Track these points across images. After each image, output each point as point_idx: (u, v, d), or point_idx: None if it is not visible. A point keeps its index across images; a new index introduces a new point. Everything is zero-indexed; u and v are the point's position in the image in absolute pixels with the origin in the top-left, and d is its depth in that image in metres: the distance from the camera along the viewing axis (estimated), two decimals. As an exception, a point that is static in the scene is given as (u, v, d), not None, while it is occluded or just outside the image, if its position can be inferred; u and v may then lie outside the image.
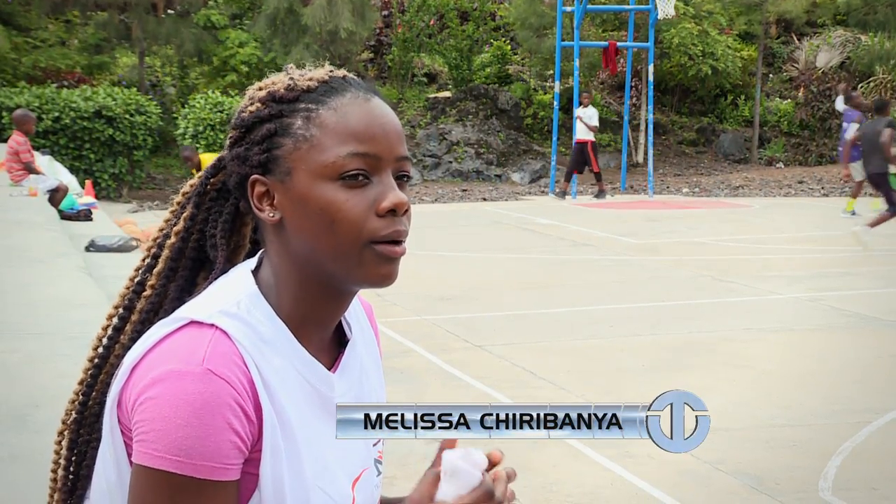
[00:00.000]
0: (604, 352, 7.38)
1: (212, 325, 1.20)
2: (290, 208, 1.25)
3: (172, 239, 1.34)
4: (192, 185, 1.37)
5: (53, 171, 14.66)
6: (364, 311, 1.46)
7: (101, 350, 1.34)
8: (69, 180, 14.74)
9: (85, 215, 13.12)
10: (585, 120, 19.07)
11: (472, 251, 12.32)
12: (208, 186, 1.35)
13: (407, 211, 1.26)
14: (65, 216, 12.63)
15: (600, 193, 19.50)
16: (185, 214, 1.35)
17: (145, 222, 14.21)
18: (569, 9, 21.00)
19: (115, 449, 1.23)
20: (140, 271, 1.36)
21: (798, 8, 24.96)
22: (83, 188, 15.77)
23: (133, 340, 1.30)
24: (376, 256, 1.24)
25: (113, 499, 1.26)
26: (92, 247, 9.93)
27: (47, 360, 5.02)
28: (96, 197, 16.36)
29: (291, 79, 1.29)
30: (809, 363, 7.06)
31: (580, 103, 19.50)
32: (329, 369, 1.32)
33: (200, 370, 1.16)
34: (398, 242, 1.25)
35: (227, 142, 1.32)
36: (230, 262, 1.36)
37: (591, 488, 4.77)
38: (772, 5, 24.92)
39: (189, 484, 1.15)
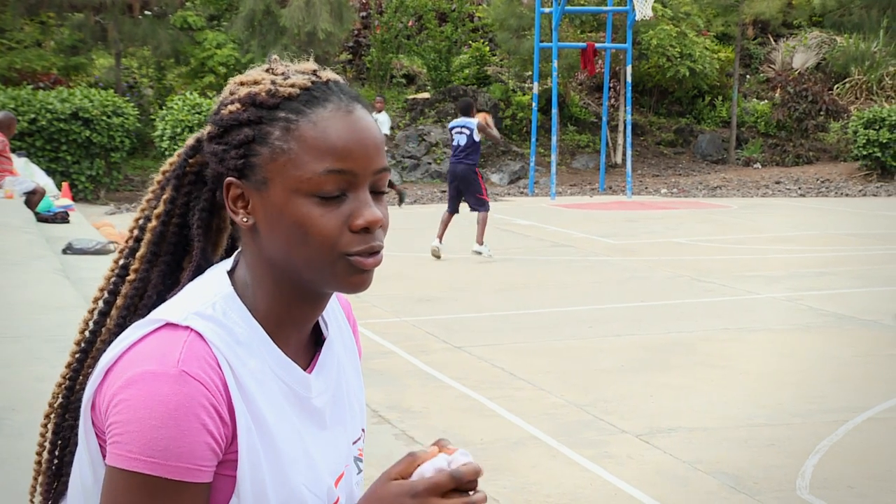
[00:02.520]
0: (583, 352, 7.40)
1: (186, 327, 1.20)
2: (264, 216, 1.24)
3: (154, 222, 1.34)
4: (171, 164, 1.35)
5: (30, 173, 14.57)
6: (342, 308, 1.45)
7: (87, 334, 1.34)
8: (46, 182, 14.65)
9: (62, 217, 13.05)
10: (380, 126, 18.61)
11: (451, 252, 12.32)
12: (187, 169, 1.34)
13: (382, 226, 1.25)
14: (41, 218, 12.56)
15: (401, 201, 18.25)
16: (164, 197, 1.34)
17: (123, 224, 14.13)
18: (547, 10, 21.04)
19: (90, 452, 1.23)
20: (124, 255, 1.36)
21: (772, 9, 25.10)
22: (60, 190, 15.68)
23: (119, 326, 1.30)
24: (349, 267, 1.23)
25: (89, 501, 1.25)
26: (69, 249, 9.88)
27: (24, 364, 4.99)
28: (73, 199, 16.25)
29: (273, 83, 1.26)
30: (787, 363, 7.10)
31: (376, 109, 18.73)
32: (306, 369, 1.32)
33: (175, 371, 1.16)
34: (372, 255, 1.24)
35: (206, 133, 1.30)
36: (213, 246, 1.36)
37: (571, 489, 4.77)
38: (747, 7, 25.06)
39: (163, 485, 1.15)
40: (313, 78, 1.26)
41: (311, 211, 1.21)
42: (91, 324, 1.34)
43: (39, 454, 1.37)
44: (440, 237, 11.79)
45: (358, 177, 1.23)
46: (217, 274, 1.29)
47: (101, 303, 1.35)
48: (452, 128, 11.94)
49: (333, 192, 1.21)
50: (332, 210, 1.22)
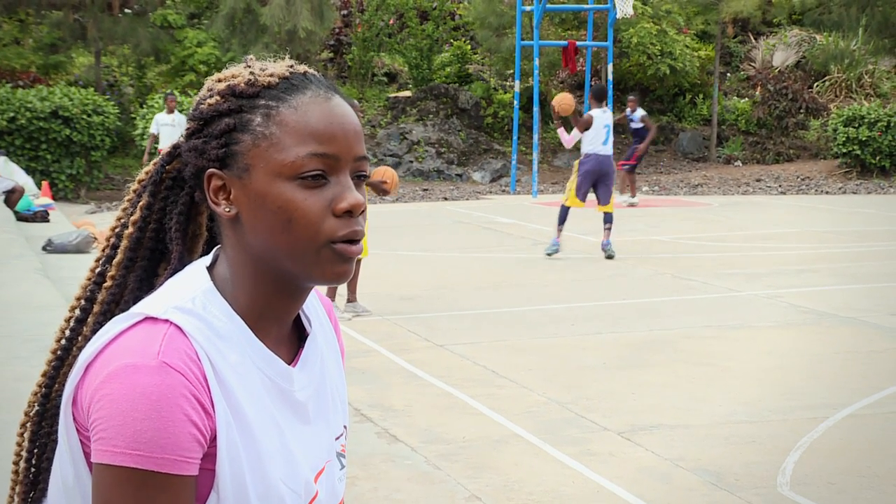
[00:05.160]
0: (565, 350, 7.41)
1: (166, 320, 1.20)
2: (247, 205, 1.24)
3: (130, 229, 1.34)
4: (147, 173, 1.36)
5: (9, 172, 14.50)
6: (323, 308, 1.46)
7: (63, 342, 1.34)
8: (25, 181, 14.59)
9: (42, 216, 13.01)
10: (177, 127, 16.92)
11: (433, 251, 12.32)
12: (164, 175, 1.34)
13: (363, 211, 1.26)
14: (21, 217, 12.51)
15: None
16: (141, 203, 1.34)
17: (103, 223, 14.07)
18: (528, 8, 21.06)
19: (72, 449, 1.22)
20: (101, 262, 1.36)
21: (751, 7, 25.18)
22: (40, 189, 15.60)
23: (95, 332, 1.29)
24: (333, 255, 1.24)
25: (70, 499, 1.25)
26: (49, 246, 9.83)
27: (3, 363, 4.97)
28: (53, 198, 16.18)
29: (252, 73, 1.28)
30: (768, 359, 7.13)
31: (167, 109, 17.23)
32: (290, 363, 1.32)
33: (156, 363, 1.15)
34: (354, 242, 1.25)
35: (185, 132, 1.31)
36: (188, 252, 1.36)
37: (553, 486, 4.78)
38: (727, 5, 25.14)
39: (150, 478, 1.15)
40: (291, 69, 1.29)
41: (294, 195, 1.22)
42: (67, 332, 1.34)
43: (16, 463, 1.36)
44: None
45: (340, 161, 1.24)
46: (196, 270, 1.29)
47: (77, 311, 1.34)
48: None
49: (316, 175, 1.23)
50: (315, 194, 1.23)
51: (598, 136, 11.83)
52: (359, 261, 8.09)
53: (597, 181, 11.82)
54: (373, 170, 8.35)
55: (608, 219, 11.74)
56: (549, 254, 11.72)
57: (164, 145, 16.73)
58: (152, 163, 1.36)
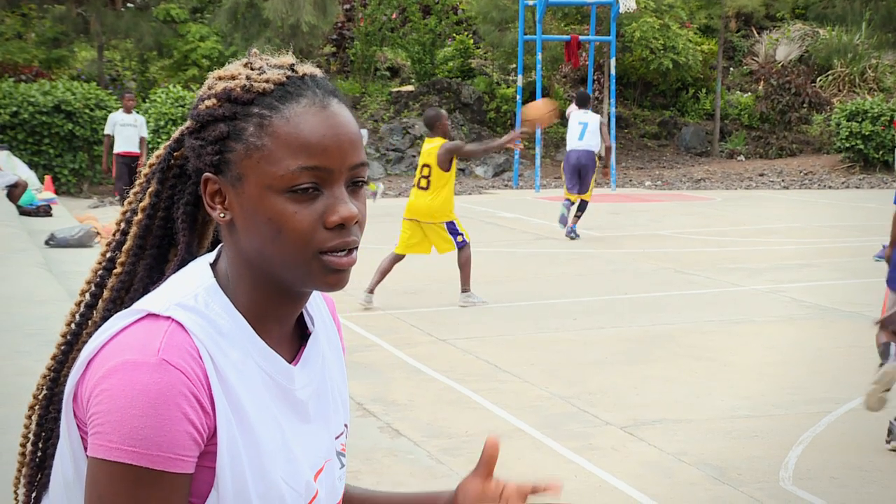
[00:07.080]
0: (567, 345, 7.41)
1: (168, 317, 1.20)
2: (240, 213, 1.24)
3: (139, 215, 1.34)
4: (157, 157, 1.35)
5: (12, 166, 14.52)
6: (326, 305, 1.45)
7: (73, 327, 1.34)
8: (28, 176, 14.60)
9: (44, 211, 13.03)
10: (138, 128, 15.69)
11: (435, 245, 12.30)
12: (171, 162, 1.34)
13: (358, 222, 1.24)
14: (24, 212, 12.53)
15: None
16: (150, 190, 1.34)
17: (106, 217, 14.07)
18: (531, 2, 21.03)
19: (72, 444, 1.23)
20: (111, 247, 1.36)
21: (754, 1, 25.15)
22: (42, 183, 15.61)
23: (105, 319, 1.30)
24: (324, 267, 1.23)
25: (70, 495, 1.25)
26: (52, 240, 9.84)
27: (6, 358, 4.97)
28: (56, 192, 16.19)
29: (248, 78, 1.25)
30: (770, 354, 7.13)
31: (125, 108, 15.73)
32: (291, 362, 1.32)
33: (156, 360, 1.15)
34: (348, 252, 1.24)
35: (186, 127, 1.30)
36: (199, 238, 1.37)
37: (555, 480, 4.78)
38: (730, -1, 25.13)
39: (144, 475, 1.15)
40: (289, 73, 1.26)
41: (285, 208, 1.21)
42: (77, 316, 1.35)
43: (23, 445, 1.37)
44: None
45: (333, 173, 1.22)
46: (200, 266, 1.29)
47: (87, 295, 1.35)
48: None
49: (307, 188, 1.21)
50: (306, 207, 1.21)
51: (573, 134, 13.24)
52: (470, 246, 8.73)
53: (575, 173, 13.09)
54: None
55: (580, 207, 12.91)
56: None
57: (123, 147, 15.55)
58: (162, 147, 1.35)
